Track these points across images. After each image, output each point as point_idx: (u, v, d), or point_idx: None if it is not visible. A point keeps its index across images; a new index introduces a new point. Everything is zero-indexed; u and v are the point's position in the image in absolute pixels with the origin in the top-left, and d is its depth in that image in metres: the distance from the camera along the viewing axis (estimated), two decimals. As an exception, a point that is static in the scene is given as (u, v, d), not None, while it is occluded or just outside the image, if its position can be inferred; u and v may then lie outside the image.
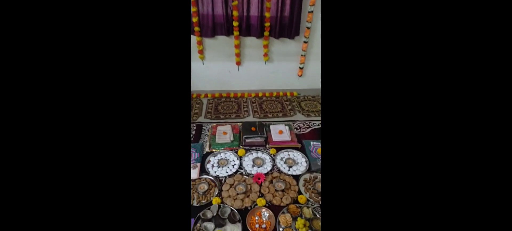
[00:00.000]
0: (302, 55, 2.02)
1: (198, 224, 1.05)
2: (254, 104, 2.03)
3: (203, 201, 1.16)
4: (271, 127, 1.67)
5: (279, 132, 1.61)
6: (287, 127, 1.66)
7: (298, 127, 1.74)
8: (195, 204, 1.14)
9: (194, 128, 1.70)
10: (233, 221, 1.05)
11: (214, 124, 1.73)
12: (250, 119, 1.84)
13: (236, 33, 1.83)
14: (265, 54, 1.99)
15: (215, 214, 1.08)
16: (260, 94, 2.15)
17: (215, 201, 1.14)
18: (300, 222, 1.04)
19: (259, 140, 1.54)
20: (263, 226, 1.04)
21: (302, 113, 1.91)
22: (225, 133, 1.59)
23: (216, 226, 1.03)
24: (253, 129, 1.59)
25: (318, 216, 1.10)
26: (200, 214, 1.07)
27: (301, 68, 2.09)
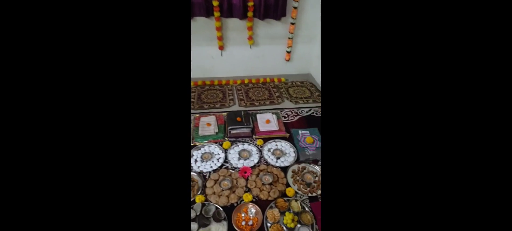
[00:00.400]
0: (289, 38, 1.90)
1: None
2: (240, 92, 1.92)
3: (185, 200, 1.08)
4: (258, 116, 1.58)
5: (266, 121, 1.53)
6: (274, 116, 1.59)
7: (286, 115, 1.67)
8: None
9: (175, 119, 1.58)
10: (218, 220, 0.99)
11: (197, 115, 1.61)
12: (236, 107, 1.74)
13: (216, 14, 1.67)
14: (250, 37, 1.85)
15: (198, 213, 1.01)
16: (246, 81, 2.04)
17: (199, 199, 1.07)
18: (288, 217, 0.99)
19: (245, 130, 1.46)
20: (250, 222, 0.99)
21: (290, 101, 1.83)
22: (209, 124, 1.49)
23: (199, 226, 0.96)
24: (238, 119, 1.50)
25: (307, 209, 1.06)
26: (182, 214, 0.99)
27: (288, 52, 1.98)
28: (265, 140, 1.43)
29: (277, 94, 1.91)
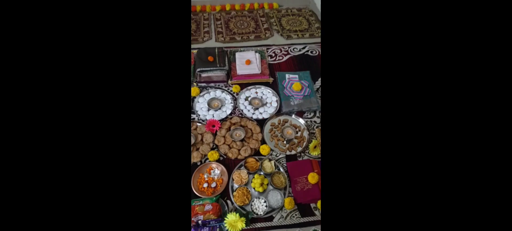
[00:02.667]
0: None
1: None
2: (219, 22, 1.52)
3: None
4: (237, 55, 1.27)
5: (247, 62, 1.23)
6: (258, 55, 1.27)
7: (273, 54, 1.34)
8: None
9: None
10: (176, 181, 0.86)
11: (163, 52, 1.30)
12: (212, 43, 1.40)
13: None
14: None
15: (153, 174, 0.87)
16: (228, 7, 1.60)
17: (155, 157, 0.91)
18: (256, 180, 0.85)
19: (218, 73, 1.18)
20: (213, 185, 0.86)
21: (281, 35, 1.46)
22: (174, 65, 1.20)
23: (154, 189, 0.84)
24: (210, 58, 1.19)
25: (281, 170, 0.91)
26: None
27: (283, -36, 1.46)
28: (243, 86, 1.17)
29: (265, 26, 1.51)
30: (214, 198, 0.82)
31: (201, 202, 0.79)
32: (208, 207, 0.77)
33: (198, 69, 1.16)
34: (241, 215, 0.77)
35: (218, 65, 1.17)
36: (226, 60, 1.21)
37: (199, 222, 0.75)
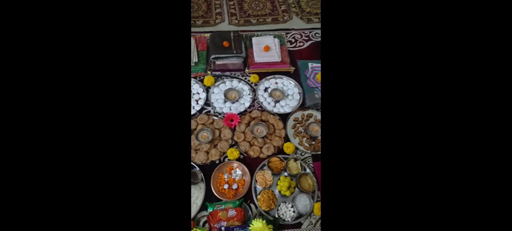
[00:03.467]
0: None
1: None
2: (232, 2, 1.37)
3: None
4: (254, 40, 1.14)
5: (265, 48, 1.11)
6: (277, 40, 1.14)
7: (293, 40, 1.22)
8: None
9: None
10: (192, 182, 0.78)
11: (171, 35, 1.17)
12: (225, 26, 1.26)
13: None
14: None
15: (168, 174, 0.79)
16: (241, -14, 1.44)
17: (169, 155, 0.82)
18: (283, 182, 0.77)
19: (234, 61, 1.06)
20: (234, 186, 0.78)
21: (301, 18, 1.32)
22: (185, 51, 1.08)
23: (169, 190, 0.76)
24: (226, 43, 1.07)
25: (308, 171, 0.83)
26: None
27: None
28: (261, 76, 1.06)
29: (283, 7, 1.37)
30: (237, 202, 0.74)
31: (223, 206, 0.72)
32: (232, 212, 0.70)
33: (213, 56, 1.04)
34: (268, 222, 0.70)
35: (234, 51, 1.06)
36: (243, 46, 1.09)
37: (222, 228, 0.68)
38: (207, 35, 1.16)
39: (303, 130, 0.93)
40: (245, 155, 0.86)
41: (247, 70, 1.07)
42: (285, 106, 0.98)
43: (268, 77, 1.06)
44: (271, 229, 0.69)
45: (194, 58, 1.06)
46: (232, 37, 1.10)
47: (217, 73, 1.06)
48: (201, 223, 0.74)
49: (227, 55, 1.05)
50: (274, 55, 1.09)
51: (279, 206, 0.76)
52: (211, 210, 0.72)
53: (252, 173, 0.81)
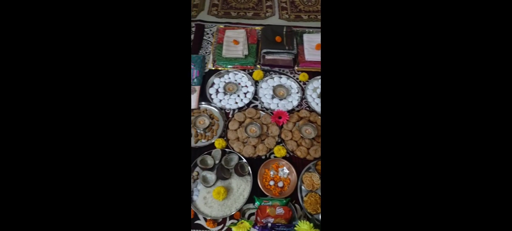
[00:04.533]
0: None
1: (195, 172, 0.81)
2: (283, -5, 1.34)
3: (202, 141, 0.87)
4: (305, 37, 1.11)
5: (317, 46, 1.07)
6: (329, 39, 1.10)
7: (346, 40, 1.16)
8: (192, 143, 0.87)
9: (193, 29, 1.19)
10: (240, 174, 0.79)
11: (222, 25, 1.19)
12: (275, 20, 1.24)
13: None
14: None
15: (217, 162, 0.82)
16: (293, -21, 1.40)
17: (218, 144, 0.84)
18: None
19: (285, 57, 1.05)
20: (280, 184, 0.78)
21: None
22: (236, 42, 1.09)
23: (218, 178, 0.79)
24: (278, 39, 1.05)
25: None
26: (198, 160, 0.81)
27: None
28: (311, 75, 1.03)
29: (336, 4, 1.30)
30: (284, 201, 0.74)
31: (271, 203, 0.73)
32: (280, 210, 0.70)
33: (264, 50, 1.04)
34: (315, 226, 0.69)
35: (286, 47, 1.04)
36: (295, 42, 1.07)
37: (269, 224, 0.69)
38: (258, 28, 1.15)
39: (352, 137, 0.89)
40: (292, 153, 0.85)
41: (296, 68, 1.05)
42: (334, 110, 0.95)
43: (318, 77, 1.02)
44: (318, 234, 0.68)
45: (245, 50, 1.06)
46: (284, 33, 1.08)
47: (266, 68, 1.05)
48: (246, 215, 0.75)
49: (279, 50, 1.03)
50: (326, 55, 1.05)
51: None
52: (259, 204, 0.73)
53: (298, 173, 0.80)
